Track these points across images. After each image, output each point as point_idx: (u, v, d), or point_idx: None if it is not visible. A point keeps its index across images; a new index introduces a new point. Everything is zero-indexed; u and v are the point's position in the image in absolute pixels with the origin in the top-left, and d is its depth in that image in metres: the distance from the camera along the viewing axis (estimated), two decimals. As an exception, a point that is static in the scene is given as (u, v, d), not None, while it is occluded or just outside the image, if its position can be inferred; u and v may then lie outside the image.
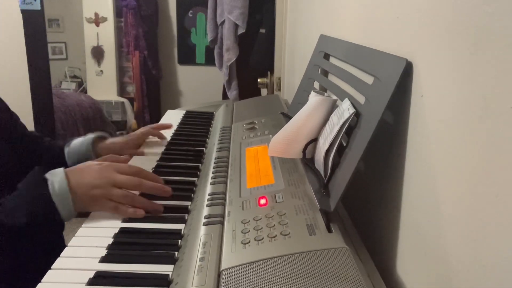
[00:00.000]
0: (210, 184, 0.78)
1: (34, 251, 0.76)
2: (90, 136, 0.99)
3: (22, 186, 0.71)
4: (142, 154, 1.02)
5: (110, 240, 0.65)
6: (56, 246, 0.64)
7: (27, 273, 0.70)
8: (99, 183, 0.72)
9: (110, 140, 1.03)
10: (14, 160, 0.88)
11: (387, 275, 0.58)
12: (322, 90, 0.94)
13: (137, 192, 0.75)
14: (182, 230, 0.67)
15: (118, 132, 3.54)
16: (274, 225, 0.57)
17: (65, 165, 0.91)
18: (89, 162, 0.79)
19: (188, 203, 0.76)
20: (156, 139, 1.13)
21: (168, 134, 1.17)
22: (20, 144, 0.93)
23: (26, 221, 0.65)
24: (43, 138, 1.04)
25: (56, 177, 0.71)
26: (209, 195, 0.73)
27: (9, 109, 0.95)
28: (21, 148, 0.93)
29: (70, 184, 0.70)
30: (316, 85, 0.98)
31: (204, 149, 1.05)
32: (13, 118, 0.96)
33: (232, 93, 2.21)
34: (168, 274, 0.56)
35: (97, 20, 3.57)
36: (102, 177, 0.72)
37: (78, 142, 0.98)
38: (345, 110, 0.63)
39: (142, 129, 1.11)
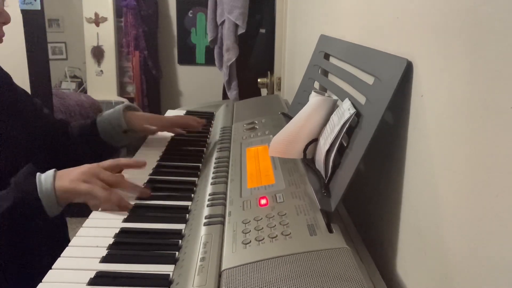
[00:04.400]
0: (211, 184, 0.78)
1: (36, 248, 0.77)
2: (121, 105, 1.06)
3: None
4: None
5: (111, 240, 0.65)
6: (61, 245, 0.65)
7: (32, 271, 0.71)
8: (82, 170, 0.76)
9: (141, 112, 1.09)
10: (39, 148, 0.92)
11: (387, 274, 0.58)
12: (322, 90, 0.94)
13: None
14: (183, 230, 0.68)
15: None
16: (275, 225, 0.57)
17: (97, 135, 1.01)
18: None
19: (188, 203, 0.77)
20: (156, 136, 1.14)
21: (168, 134, 1.17)
22: (46, 131, 0.97)
23: (11, 202, 0.69)
24: (69, 122, 1.08)
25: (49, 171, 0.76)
26: (209, 195, 0.74)
27: (31, 98, 0.98)
28: (48, 135, 0.97)
29: (57, 170, 0.76)
30: (317, 85, 0.98)
31: (205, 149, 1.05)
32: (36, 107, 0.98)
33: (232, 93, 2.21)
34: (169, 274, 0.57)
35: (97, 20, 3.57)
36: (87, 167, 0.77)
37: (109, 111, 1.05)
38: (345, 110, 0.63)
39: (178, 118, 1.17)
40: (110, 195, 0.74)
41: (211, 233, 0.61)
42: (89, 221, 0.72)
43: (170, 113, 1.43)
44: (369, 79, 0.62)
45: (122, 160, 0.84)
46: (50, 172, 0.74)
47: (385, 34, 0.63)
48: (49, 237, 0.82)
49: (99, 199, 0.73)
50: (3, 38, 0.87)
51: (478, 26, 0.39)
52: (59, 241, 0.79)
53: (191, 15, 3.60)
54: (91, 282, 0.55)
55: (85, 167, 0.77)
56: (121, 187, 0.78)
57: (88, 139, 1.03)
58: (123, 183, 0.78)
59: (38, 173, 0.74)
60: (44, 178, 0.73)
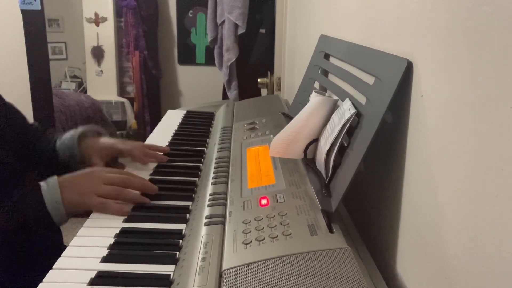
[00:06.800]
0: (211, 184, 0.78)
1: (31, 252, 0.77)
2: (79, 129, 0.95)
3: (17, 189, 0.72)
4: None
5: (112, 240, 0.65)
6: (56, 247, 0.64)
7: (25, 274, 0.71)
8: (88, 179, 0.74)
9: (94, 141, 0.95)
10: (8, 151, 0.85)
11: (387, 274, 0.58)
12: (323, 90, 0.94)
13: None
14: (183, 230, 0.68)
15: (118, 132, 3.53)
16: (276, 226, 0.57)
17: (56, 157, 0.93)
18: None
19: (189, 203, 0.77)
20: (156, 137, 1.14)
21: (169, 134, 1.17)
22: (16, 135, 0.89)
23: (21, 219, 0.67)
24: (44, 130, 1.01)
25: (50, 179, 0.73)
26: (210, 195, 0.74)
27: (3, 100, 0.90)
28: (17, 139, 0.89)
29: (59, 179, 0.73)
30: (317, 85, 0.98)
31: (205, 149, 1.05)
32: (7, 108, 0.90)
33: (232, 93, 2.21)
34: (170, 274, 0.57)
35: (97, 20, 3.57)
36: (92, 174, 0.75)
37: (68, 135, 0.95)
38: (346, 110, 0.63)
39: (137, 146, 0.97)
40: (122, 209, 0.73)
41: (212, 233, 0.61)
42: (89, 221, 0.72)
43: (170, 113, 1.43)
44: (369, 79, 0.62)
45: (136, 182, 0.78)
46: (54, 182, 0.72)
47: (385, 34, 0.63)
48: (43, 244, 0.80)
49: (112, 213, 0.72)
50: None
51: (478, 26, 0.39)
52: (53, 247, 0.78)
53: (191, 15, 3.60)
54: (92, 282, 0.55)
55: (91, 176, 0.74)
56: (130, 187, 0.77)
57: (49, 159, 0.95)
58: (131, 183, 0.77)
59: (41, 185, 0.71)
60: (50, 191, 0.70)
